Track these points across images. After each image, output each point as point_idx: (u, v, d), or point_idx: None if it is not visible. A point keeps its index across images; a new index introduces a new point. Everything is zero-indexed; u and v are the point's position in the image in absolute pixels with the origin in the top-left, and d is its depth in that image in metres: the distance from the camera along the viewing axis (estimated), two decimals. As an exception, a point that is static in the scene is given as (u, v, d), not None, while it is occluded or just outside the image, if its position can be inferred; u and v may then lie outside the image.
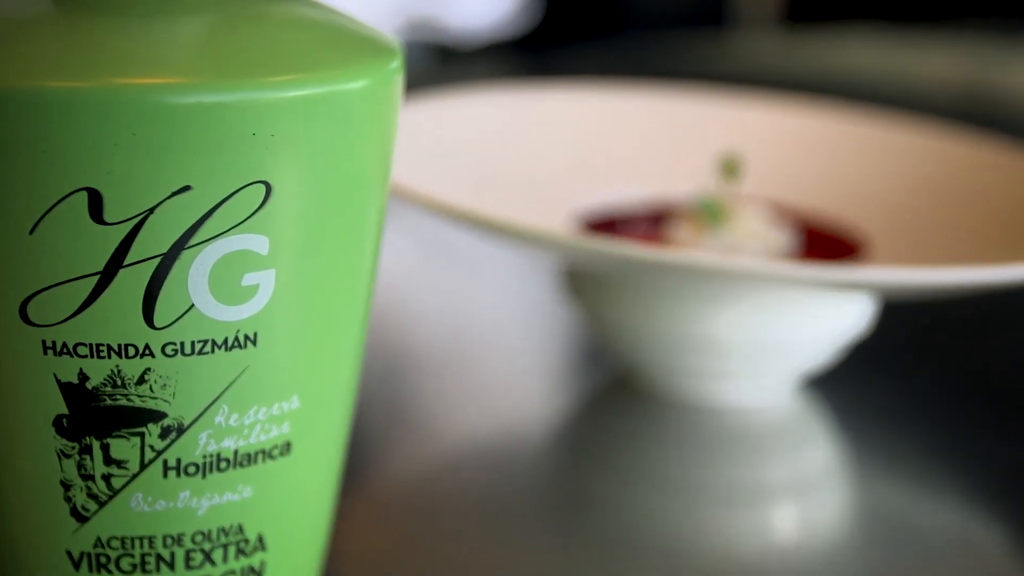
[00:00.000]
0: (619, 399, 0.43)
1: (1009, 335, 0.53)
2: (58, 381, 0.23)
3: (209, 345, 0.24)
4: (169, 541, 0.25)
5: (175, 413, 0.24)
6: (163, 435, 0.24)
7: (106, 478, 0.24)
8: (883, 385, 0.46)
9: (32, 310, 0.23)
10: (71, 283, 0.23)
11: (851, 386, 0.45)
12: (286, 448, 0.26)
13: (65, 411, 0.24)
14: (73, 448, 0.24)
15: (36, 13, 0.23)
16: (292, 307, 0.25)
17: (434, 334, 0.50)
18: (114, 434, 0.24)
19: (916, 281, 0.36)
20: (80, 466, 0.24)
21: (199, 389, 0.24)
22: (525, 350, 0.49)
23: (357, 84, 0.24)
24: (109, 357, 0.23)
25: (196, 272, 0.23)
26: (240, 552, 0.26)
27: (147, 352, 0.23)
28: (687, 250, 0.44)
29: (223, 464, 0.25)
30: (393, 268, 0.56)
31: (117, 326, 0.23)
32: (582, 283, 0.42)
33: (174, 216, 0.23)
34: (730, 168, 0.45)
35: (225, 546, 0.26)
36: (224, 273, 0.23)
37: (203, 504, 0.25)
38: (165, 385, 0.24)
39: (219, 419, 0.24)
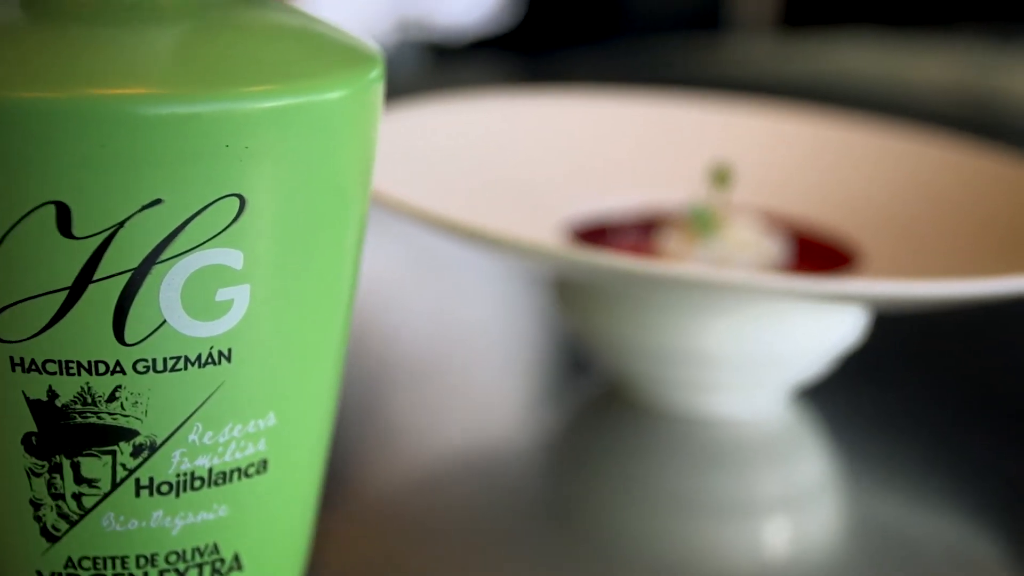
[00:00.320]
0: (608, 410, 0.43)
1: (1005, 342, 0.52)
2: (27, 398, 0.23)
3: (182, 362, 0.23)
4: (142, 561, 0.25)
5: (147, 431, 0.23)
6: (135, 453, 0.24)
7: (77, 497, 0.24)
8: (876, 395, 0.45)
9: (-1, 326, 0.22)
10: (39, 298, 0.22)
11: (844, 396, 0.45)
12: (262, 466, 0.25)
13: (34, 429, 0.23)
14: (43, 466, 0.23)
15: (4, 22, 0.22)
16: (268, 322, 0.24)
17: (419, 344, 0.49)
18: (85, 452, 0.23)
19: (910, 294, 0.35)
20: (50, 485, 0.24)
21: (172, 406, 0.23)
22: (513, 360, 0.49)
23: (336, 94, 0.24)
24: (79, 374, 0.23)
25: (168, 287, 0.23)
26: (216, 572, 0.25)
27: (118, 369, 0.23)
28: (678, 260, 0.44)
29: (197, 482, 0.24)
30: (378, 276, 0.56)
31: (87, 342, 0.22)
32: (570, 294, 0.42)
33: (145, 230, 0.22)
34: (721, 176, 0.45)
35: (200, 566, 0.25)
36: (197, 288, 0.23)
37: (177, 523, 0.25)
38: (137, 403, 0.23)
39: (193, 437, 0.24)
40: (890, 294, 0.35)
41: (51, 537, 0.24)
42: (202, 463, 0.24)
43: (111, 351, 0.23)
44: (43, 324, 0.22)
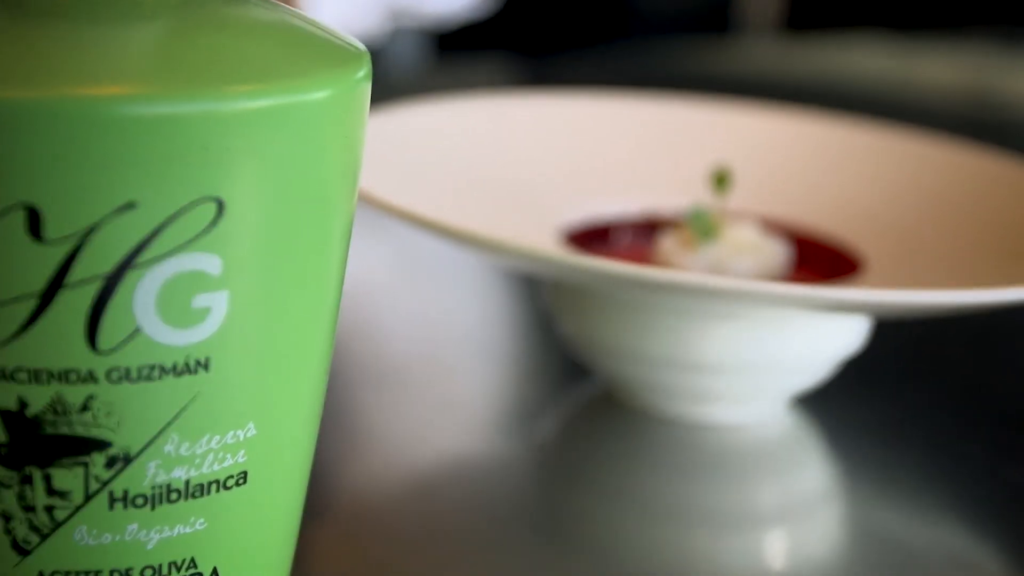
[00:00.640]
0: (602, 416, 0.42)
1: (1005, 349, 0.51)
2: (-4, 408, 0.22)
3: (157, 371, 0.22)
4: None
5: (121, 442, 0.23)
6: (109, 465, 0.23)
7: (48, 510, 0.23)
8: (877, 401, 0.45)
9: (-33, 333, 0.22)
10: (8, 305, 0.21)
11: (844, 403, 0.44)
12: (242, 478, 0.24)
13: (4, 439, 0.22)
14: (13, 478, 0.23)
15: (-27, 18, 0.22)
16: (248, 330, 0.23)
17: (409, 347, 0.48)
18: (56, 464, 0.23)
19: (912, 302, 0.35)
20: (21, 497, 0.23)
21: (147, 417, 0.23)
22: (505, 365, 0.48)
23: (320, 94, 0.23)
24: (50, 383, 0.22)
25: (143, 293, 0.22)
26: (193, 586, 0.25)
27: (91, 378, 0.22)
28: (676, 264, 0.43)
29: (173, 495, 0.24)
30: (368, 278, 0.55)
31: (58, 350, 0.22)
32: (566, 298, 0.41)
33: (119, 234, 0.21)
34: (721, 180, 0.44)
35: (177, 580, 0.24)
36: (173, 294, 0.22)
37: (153, 537, 0.24)
38: (110, 413, 0.22)
39: (169, 448, 0.23)
40: (892, 302, 0.35)
41: (21, 551, 0.23)
42: (178, 475, 0.23)
43: (83, 359, 0.22)
44: (12, 331, 0.22)
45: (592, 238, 0.47)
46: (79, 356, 0.22)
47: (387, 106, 0.50)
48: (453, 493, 0.37)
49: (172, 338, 0.22)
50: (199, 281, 0.22)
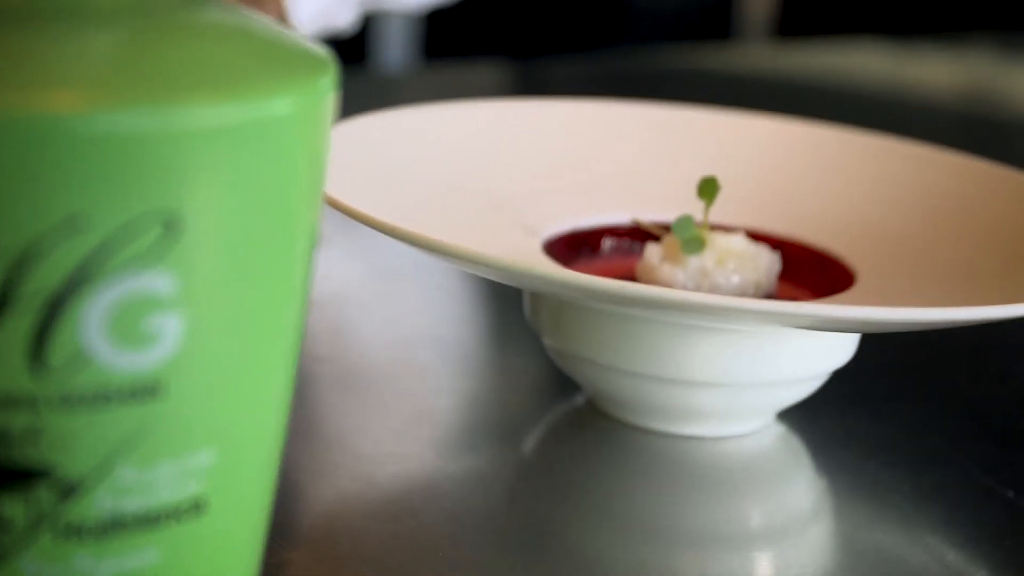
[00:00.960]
0: (585, 432, 0.41)
1: (998, 362, 0.51)
2: (-64, 435, 0.21)
3: (105, 396, 0.21)
4: (66, 609, 0.23)
5: (68, 470, 0.22)
6: (55, 494, 0.22)
7: (-8, 541, 0.22)
8: (865, 415, 0.44)
9: (-97, 357, 0.21)
10: (-54, 327, 0.20)
11: (832, 416, 0.43)
12: (200, 506, 0.23)
13: (-55, 468, 0.21)
14: (-46, 508, 0.22)
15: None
16: (205, 352, 0.22)
17: (387, 356, 0.47)
18: (0, 493, 0.22)
19: (903, 319, 0.34)
20: (-37, 528, 0.22)
21: (94, 444, 0.22)
22: (487, 375, 0.47)
23: (282, 103, 0.22)
24: (-9, 410, 0.21)
25: (89, 314, 0.21)
26: (147, 620, 0.24)
27: (34, 404, 0.21)
28: (661, 276, 0.42)
29: (126, 525, 0.22)
30: (345, 284, 0.54)
31: (-1, 375, 0.21)
32: (549, 310, 0.40)
33: (63, 251, 0.20)
34: (708, 190, 0.43)
35: (130, 613, 0.23)
36: (122, 316, 0.21)
37: (102, 569, 0.23)
38: (55, 440, 0.21)
39: (119, 476, 0.22)
40: (882, 319, 0.34)
41: (-35, 583, 0.22)
42: (129, 504, 0.22)
43: (26, 385, 0.21)
44: (-49, 355, 0.20)
45: (578, 247, 0.46)
46: (21, 381, 0.21)
47: (373, 111, 0.49)
48: (431, 510, 0.36)
49: (122, 361, 0.21)
50: (151, 302, 0.21)
